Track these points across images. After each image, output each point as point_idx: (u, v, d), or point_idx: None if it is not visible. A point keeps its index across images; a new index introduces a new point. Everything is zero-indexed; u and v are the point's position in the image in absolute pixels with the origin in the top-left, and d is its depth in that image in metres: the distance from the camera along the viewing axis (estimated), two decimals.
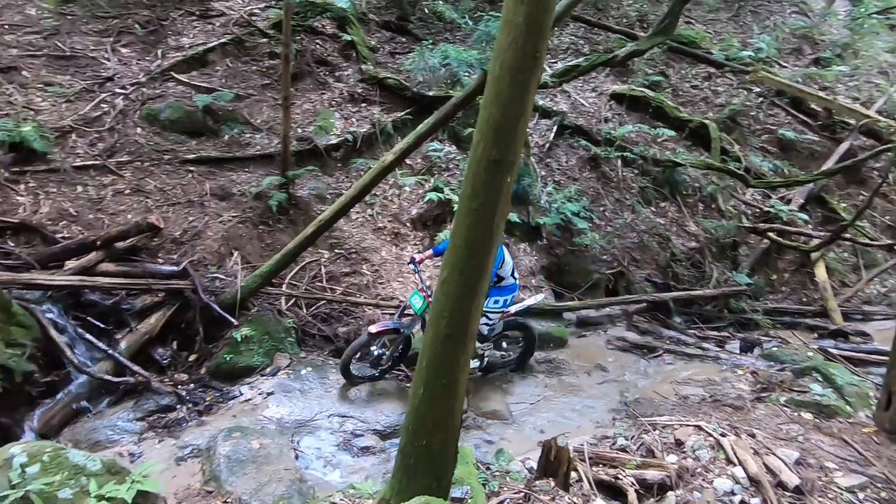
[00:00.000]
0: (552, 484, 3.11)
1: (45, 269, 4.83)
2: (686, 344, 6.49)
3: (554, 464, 3.13)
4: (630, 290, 7.41)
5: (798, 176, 8.36)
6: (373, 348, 4.81)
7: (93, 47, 7.20)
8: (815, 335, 7.01)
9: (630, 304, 7.06)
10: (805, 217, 8.27)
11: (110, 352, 4.53)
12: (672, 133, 8.54)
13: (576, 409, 5.12)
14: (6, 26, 6.98)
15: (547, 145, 8.17)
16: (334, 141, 7.27)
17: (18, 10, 7.28)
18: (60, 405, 4.18)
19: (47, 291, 4.67)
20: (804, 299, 7.90)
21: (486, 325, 4.86)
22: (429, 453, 2.64)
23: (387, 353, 4.88)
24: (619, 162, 8.28)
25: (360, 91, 7.96)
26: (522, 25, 2.29)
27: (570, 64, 7.52)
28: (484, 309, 4.32)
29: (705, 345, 6.50)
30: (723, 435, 3.87)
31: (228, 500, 3.33)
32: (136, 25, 7.61)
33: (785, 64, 10.55)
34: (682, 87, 9.81)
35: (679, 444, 3.84)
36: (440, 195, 6.94)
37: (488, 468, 3.74)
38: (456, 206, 6.64)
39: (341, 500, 3.05)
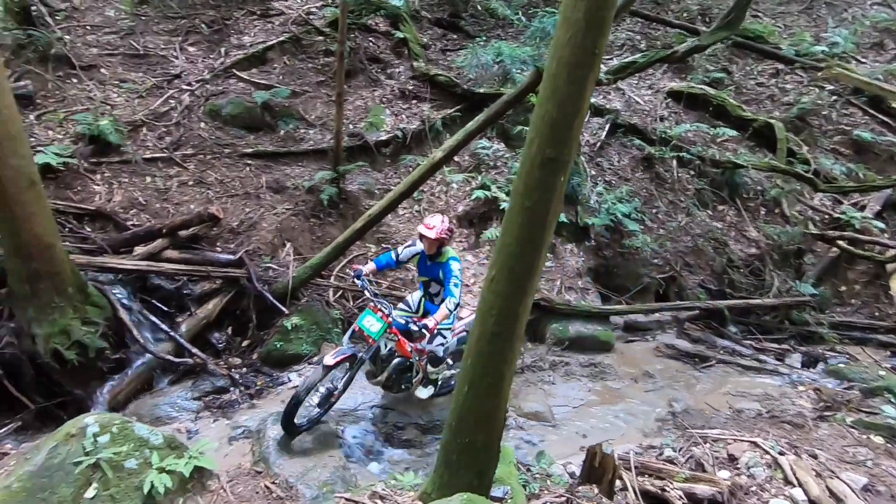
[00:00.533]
0: (595, 491, 3.04)
1: (116, 253, 5.18)
2: (742, 355, 6.18)
3: (598, 470, 3.06)
4: (682, 296, 7.12)
5: (874, 180, 7.75)
6: (320, 386, 3.89)
7: (163, 46, 7.64)
8: (889, 353, 6.49)
9: (681, 310, 6.78)
10: (881, 225, 7.65)
11: (172, 334, 4.80)
12: (733, 133, 8.13)
13: (620, 416, 4.99)
14: (89, 27, 7.53)
15: (598, 144, 7.97)
16: (384, 137, 7.39)
17: (99, 12, 7.83)
18: (127, 381, 4.48)
19: (118, 274, 5.01)
20: (877, 314, 7.31)
21: (442, 345, 4.28)
22: (472, 450, 2.64)
23: (339, 386, 4.02)
24: (675, 162, 7.96)
25: (410, 88, 8.05)
26: (582, 21, 2.24)
27: (625, 60, 7.28)
28: (440, 327, 3.96)
29: (763, 357, 6.17)
30: (781, 453, 3.66)
31: (276, 482, 3.46)
32: (203, 25, 8.01)
33: (864, 60, 9.78)
34: (747, 85, 9.30)
35: (732, 459, 3.66)
36: (487, 193, 6.91)
37: (529, 470, 3.70)
38: (503, 205, 6.66)
39: (383, 490, 3.10)
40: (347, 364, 3.96)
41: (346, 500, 2.90)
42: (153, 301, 5.10)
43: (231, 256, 5.43)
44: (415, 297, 4.55)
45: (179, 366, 4.75)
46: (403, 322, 4.23)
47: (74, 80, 6.75)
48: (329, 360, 3.79)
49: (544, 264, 3.56)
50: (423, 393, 4.47)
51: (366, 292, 4.08)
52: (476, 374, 2.57)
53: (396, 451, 4.26)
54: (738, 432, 4.11)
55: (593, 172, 7.68)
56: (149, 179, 6.19)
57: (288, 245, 6.06)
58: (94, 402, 4.31)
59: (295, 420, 3.79)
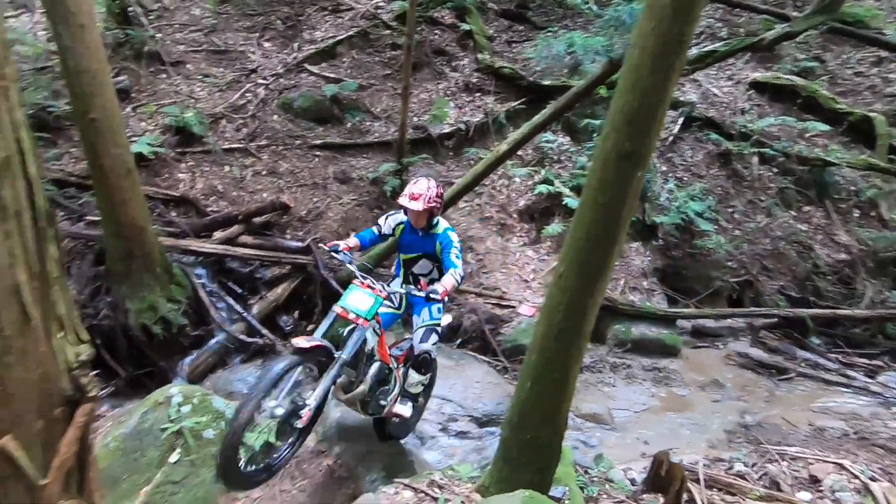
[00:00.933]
0: (661, 501, 2.92)
1: (197, 237, 5.55)
2: (826, 369, 5.70)
3: (665, 479, 2.93)
4: (758, 303, 6.66)
5: None
6: (270, 399, 2.56)
7: (242, 42, 8.06)
8: None
9: (757, 317, 6.34)
10: None
11: (245, 314, 5.09)
12: (825, 127, 7.46)
13: (685, 425, 4.76)
14: (177, 25, 8.08)
15: (671, 139, 7.58)
16: (447, 130, 7.41)
17: (186, 11, 8.38)
18: (205, 356, 4.81)
19: (199, 257, 5.37)
20: None
21: (437, 344, 3.40)
22: (534, 447, 2.61)
23: (311, 402, 2.72)
24: (755, 159, 7.43)
25: (475, 80, 8.01)
26: (669, 8, 2.12)
27: (705, 49, 6.84)
28: (431, 322, 3.29)
29: (851, 373, 5.65)
30: (872, 479, 3.34)
31: (339, 462, 3.59)
32: (278, 21, 8.37)
33: None
34: (843, 75, 8.49)
35: (815, 481, 3.38)
36: (550, 188, 6.77)
37: (587, 472, 3.61)
38: (567, 200, 6.50)
39: (441, 479, 3.13)
40: (316, 369, 2.83)
41: (405, 485, 2.96)
42: (228, 283, 5.43)
43: (299, 244, 5.67)
44: (394, 287, 3.42)
45: (251, 345, 5.03)
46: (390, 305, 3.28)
47: (164, 76, 7.27)
48: (302, 342, 2.65)
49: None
50: (404, 410, 3.45)
51: (348, 266, 3.21)
52: (540, 371, 2.52)
53: (451, 441, 4.29)
54: (821, 452, 3.80)
55: (664, 168, 7.32)
56: (227, 168, 6.57)
57: (352, 234, 6.23)
58: (175, 374, 4.67)
59: (240, 466, 2.48)
